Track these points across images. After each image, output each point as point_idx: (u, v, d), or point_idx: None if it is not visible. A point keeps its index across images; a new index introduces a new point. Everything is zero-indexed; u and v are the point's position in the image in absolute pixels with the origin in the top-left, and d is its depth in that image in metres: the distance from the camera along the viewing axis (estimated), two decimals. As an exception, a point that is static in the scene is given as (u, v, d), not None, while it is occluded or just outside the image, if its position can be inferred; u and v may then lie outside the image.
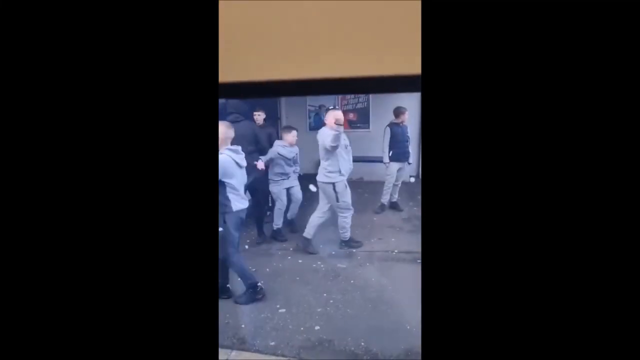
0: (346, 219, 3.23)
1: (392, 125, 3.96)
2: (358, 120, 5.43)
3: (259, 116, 3.55)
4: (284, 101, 5.39)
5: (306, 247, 3.26)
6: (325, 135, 3.01)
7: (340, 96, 5.49)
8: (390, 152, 3.96)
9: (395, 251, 3.28)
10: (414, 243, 3.15)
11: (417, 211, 4.11)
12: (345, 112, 5.46)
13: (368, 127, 5.21)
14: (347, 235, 3.29)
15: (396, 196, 4.16)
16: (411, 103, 3.97)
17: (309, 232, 3.24)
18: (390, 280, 2.80)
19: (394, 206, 4.15)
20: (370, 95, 5.32)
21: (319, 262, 3.11)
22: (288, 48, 0.43)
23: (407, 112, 3.94)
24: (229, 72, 0.43)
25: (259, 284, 2.59)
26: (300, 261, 3.14)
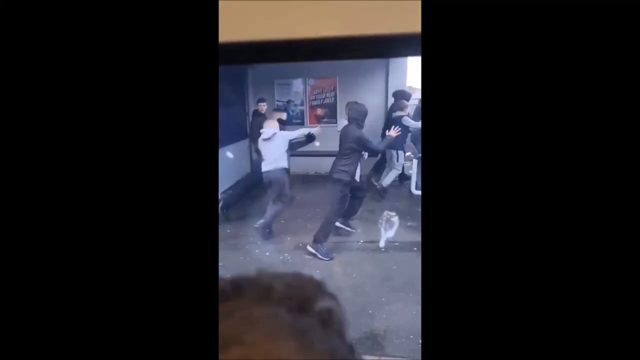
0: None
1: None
2: (326, 115, 5.46)
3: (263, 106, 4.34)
4: (251, 96, 5.36)
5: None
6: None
7: (308, 91, 5.50)
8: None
9: (360, 241, 3.39)
10: (377, 234, 3.27)
11: (385, 204, 4.25)
12: (313, 108, 5.50)
13: (335, 122, 5.00)
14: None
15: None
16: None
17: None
18: (354, 269, 2.90)
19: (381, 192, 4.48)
20: (338, 90, 5.35)
21: (286, 255, 3.17)
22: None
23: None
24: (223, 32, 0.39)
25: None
26: (267, 254, 3.19)
